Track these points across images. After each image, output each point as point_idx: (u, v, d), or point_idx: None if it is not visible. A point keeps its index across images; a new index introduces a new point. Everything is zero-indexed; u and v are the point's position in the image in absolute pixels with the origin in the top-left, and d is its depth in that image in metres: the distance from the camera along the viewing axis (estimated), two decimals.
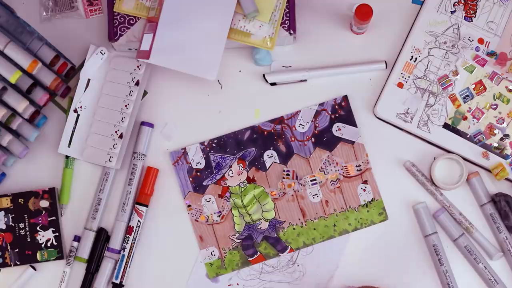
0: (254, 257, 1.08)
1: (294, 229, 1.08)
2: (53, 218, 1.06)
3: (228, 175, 1.08)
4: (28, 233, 1.05)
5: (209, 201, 1.08)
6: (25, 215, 1.05)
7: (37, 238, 1.05)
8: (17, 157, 1.06)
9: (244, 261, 1.08)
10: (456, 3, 1.08)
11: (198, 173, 1.08)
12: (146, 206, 1.07)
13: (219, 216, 1.08)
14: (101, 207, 1.07)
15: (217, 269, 1.07)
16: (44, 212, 1.06)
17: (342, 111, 1.09)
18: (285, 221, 1.08)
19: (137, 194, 1.08)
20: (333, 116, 1.09)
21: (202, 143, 1.08)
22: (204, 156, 1.08)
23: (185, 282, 1.07)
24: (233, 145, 1.08)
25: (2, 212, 1.05)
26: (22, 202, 1.05)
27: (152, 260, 1.08)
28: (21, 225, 1.05)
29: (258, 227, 1.08)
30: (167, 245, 1.08)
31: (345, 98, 1.08)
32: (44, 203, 1.06)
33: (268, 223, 1.08)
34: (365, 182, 1.08)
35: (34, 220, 1.06)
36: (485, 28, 1.08)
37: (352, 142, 1.08)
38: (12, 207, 1.05)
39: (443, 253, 1.05)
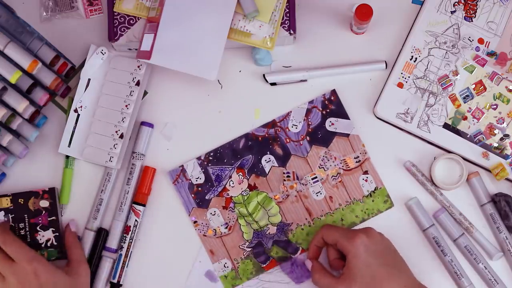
0: (267, 263, 1.07)
1: (302, 229, 1.08)
2: (53, 218, 1.06)
3: (229, 185, 1.08)
4: (28, 233, 1.05)
5: (214, 214, 1.08)
6: (25, 215, 1.05)
7: (37, 238, 1.05)
8: (17, 157, 1.06)
9: (258, 269, 1.07)
10: (456, 3, 1.08)
11: (199, 188, 1.08)
12: (144, 205, 1.07)
13: (226, 227, 1.08)
14: (102, 207, 1.07)
15: (232, 280, 1.07)
16: (44, 212, 1.06)
17: (332, 105, 1.08)
18: (292, 223, 1.08)
19: (134, 193, 1.08)
20: (324, 112, 1.09)
21: (198, 158, 1.08)
22: (203, 170, 1.08)
23: (184, 282, 1.07)
24: (229, 155, 1.08)
25: (2, 212, 1.05)
26: (22, 202, 1.05)
27: (150, 259, 1.08)
28: (21, 225, 1.05)
29: (267, 233, 1.08)
30: (165, 244, 1.08)
31: (333, 92, 1.08)
32: (44, 203, 1.06)
33: (276, 227, 1.08)
34: (365, 172, 1.08)
35: (34, 220, 1.05)
36: (485, 28, 1.08)
37: (347, 135, 1.08)
38: (12, 207, 1.05)
39: (444, 244, 1.05)
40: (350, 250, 0.97)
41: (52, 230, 1.05)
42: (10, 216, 1.05)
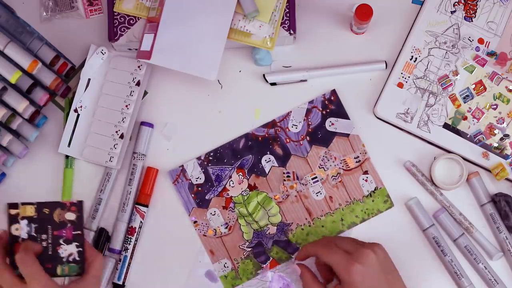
0: (267, 263, 1.07)
1: (302, 229, 1.08)
2: (78, 232, 0.99)
3: (229, 185, 1.08)
4: (50, 245, 0.98)
5: (214, 215, 1.08)
6: (49, 226, 0.98)
7: (59, 251, 0.98)
8: (17, 157, 1.06)
9: (258, 269, 1.07)
10: (456, 3, 1.08)
11: (199, 188, 1.08)
12: (147, 206, 1.07)
13: (226, 227, 1.08)
14: (101, 207, 1.07)
15: (232, 280, 1.07)
16: (69, 225, 0.99)
17: (332, 105, 1.09)
18: (292, 223, 1.08)
19: (137, 194, 1.08)
20: (324, 112, 1.09)
21: (198, 158, 1.08)
22: (203, 170, 1.08)
23: (184, 282, 1.07)
24: (229, 155, 1.08)
25: (25, 221, 0.98)
26: (47, 212, 0.98)
27: (150, 259, 1.08)
28: (44, 236, 0.98)
29: (267, 233, 1.08)
30: (165, 244, 1.08)
31: (333, 92, 1.08)
32: (70, 216, 0.99)
33: (276, 227, 1.08)
34: (365, 172, 1.08)
35: (58, 232, 0.99)
36: (485, 28, 1.08)
37: (347, 135, 1.08)
38: (36, 216, 0.98)
39: (444, 244, 1.05)
40: (346, 279, 0.96)
41: (76, 245, 0.99)
42: (33, 226, 0.98)
